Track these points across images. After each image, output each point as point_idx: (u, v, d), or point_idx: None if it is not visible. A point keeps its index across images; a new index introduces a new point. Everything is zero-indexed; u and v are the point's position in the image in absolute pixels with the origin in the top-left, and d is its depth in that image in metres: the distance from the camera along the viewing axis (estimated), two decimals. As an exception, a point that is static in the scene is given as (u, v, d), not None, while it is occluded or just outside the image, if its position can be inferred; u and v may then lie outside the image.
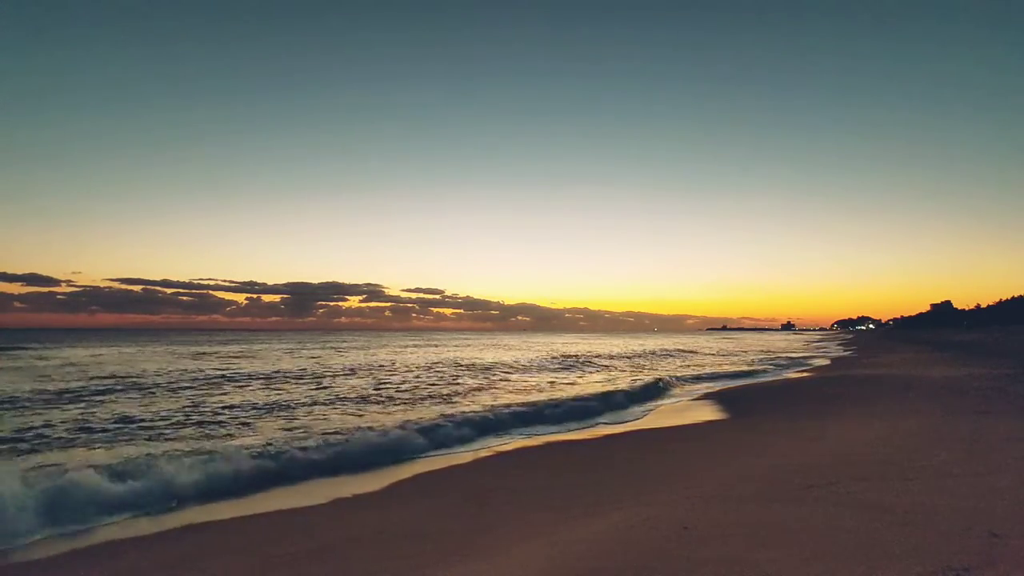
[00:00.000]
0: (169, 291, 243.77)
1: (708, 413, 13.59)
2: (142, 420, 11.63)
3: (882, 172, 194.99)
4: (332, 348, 49.63)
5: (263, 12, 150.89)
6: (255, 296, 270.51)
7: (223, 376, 21.36)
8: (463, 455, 9.42)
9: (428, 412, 12.70)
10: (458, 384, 19.72)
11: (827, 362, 32.27)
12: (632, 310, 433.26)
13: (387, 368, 26.56)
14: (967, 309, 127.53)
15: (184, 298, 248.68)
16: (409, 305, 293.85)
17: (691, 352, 46.91)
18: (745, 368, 28.41)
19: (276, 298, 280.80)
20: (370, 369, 25.69)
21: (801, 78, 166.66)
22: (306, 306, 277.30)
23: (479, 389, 18.26)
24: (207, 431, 10.65)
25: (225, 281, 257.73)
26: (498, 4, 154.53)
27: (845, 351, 46.49)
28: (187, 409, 13.16)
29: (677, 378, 22.33)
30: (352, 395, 16.27)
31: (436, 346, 56.40)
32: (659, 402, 16.21)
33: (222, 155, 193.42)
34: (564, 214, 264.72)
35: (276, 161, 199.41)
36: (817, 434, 9.32)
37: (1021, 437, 7.65)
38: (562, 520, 5.57)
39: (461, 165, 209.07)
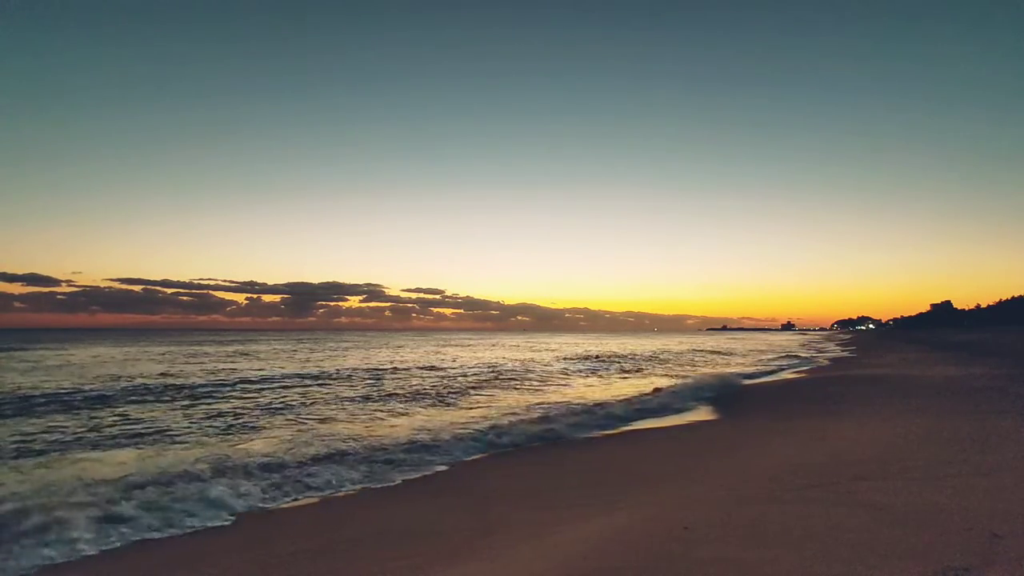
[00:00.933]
0: (169, 291, 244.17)
1: (704, 413, 13.57)
2: (372, 398, 15.11)
3: (882, 172, 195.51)
4: (361, 348, 49.36)
5: (263, 13, 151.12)
6: (255, 296, 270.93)
7: (324, 374, 23.31)
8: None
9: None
10: (554, 382, 20.98)
11: (827, 362, 32.27)
12: (632, 310, 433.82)
13: (450, 366, 28.22)
14: (967, 309, 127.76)
15: (184, 298, 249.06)
16: (409, 305, 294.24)
17: (727, 353, 46.08)
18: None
19: (276, 298, 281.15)
20: (437, 368, 26.61)
21: (802, 78, 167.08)
22: (306, 306, 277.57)
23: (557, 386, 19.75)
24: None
25: (225, 281, 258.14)
26: (498, 4, 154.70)
27: (845, 351, 46.48)
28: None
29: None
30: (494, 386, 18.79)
31: (456, 346, 55.65)
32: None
33: (222, 155, 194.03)
34: (564, 214, 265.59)
35: (276, 161, 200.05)
36: (817, 434, 9.32)
37: (1021, 437, 7.65)
38: (563, 520, 5.57)
39: (461, 165, 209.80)
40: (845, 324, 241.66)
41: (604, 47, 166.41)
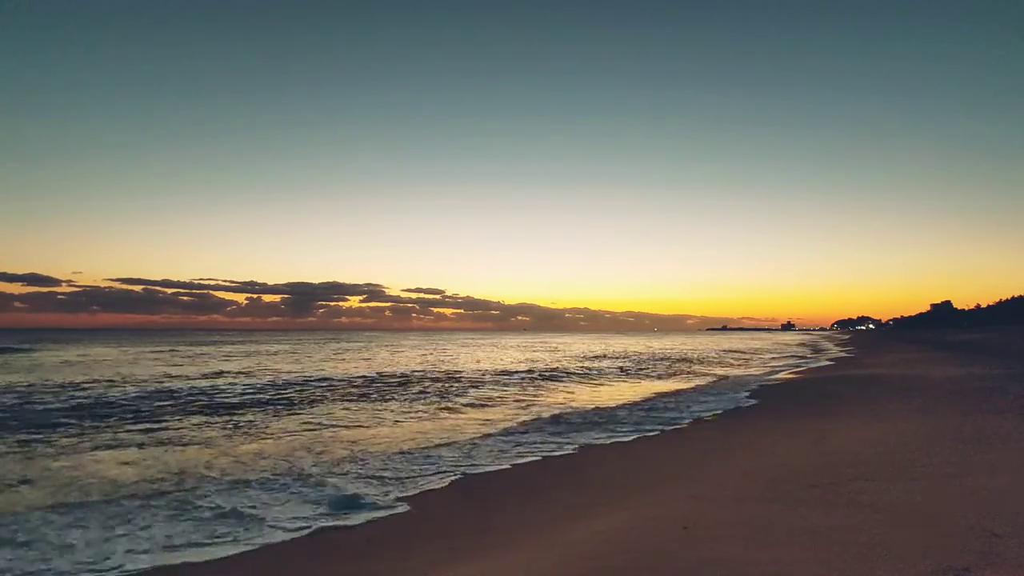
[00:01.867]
0: (169, 291, 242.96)
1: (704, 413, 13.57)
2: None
3: (882, 172, 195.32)
4: (386, 349, 48.98)
5: (263, 13, 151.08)
6: (255, 296, 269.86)
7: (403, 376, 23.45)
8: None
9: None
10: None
11: (827, 362, 32.27)
12: (632, 310, 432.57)
13: (502, 367, 28.26)
14: (967, 309, 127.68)
15: (184, 298, 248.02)
16: (409, 305, 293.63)
17: (749, 352, 45.70)
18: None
19: (276, 298, 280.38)
20: (491, 373, 25.73)
21: (802, 78, 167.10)
22: (306, 306, 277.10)
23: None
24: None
25: (225, 281, 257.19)
26: (499, 5, 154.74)
27: (845, 351, 46.48)
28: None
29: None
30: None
31: (472, 348, 55.22)
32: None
33: (223, 155, 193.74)
34: (564, 214, 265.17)
35: (276, 161, 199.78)
36: (817, 434, 9.32)
37: (1021, 437, 7.65)
38: (564, 520, 5.57)
39: (461, 165, 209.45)
40: (845, 324, 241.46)
41: (605, 47, 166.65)
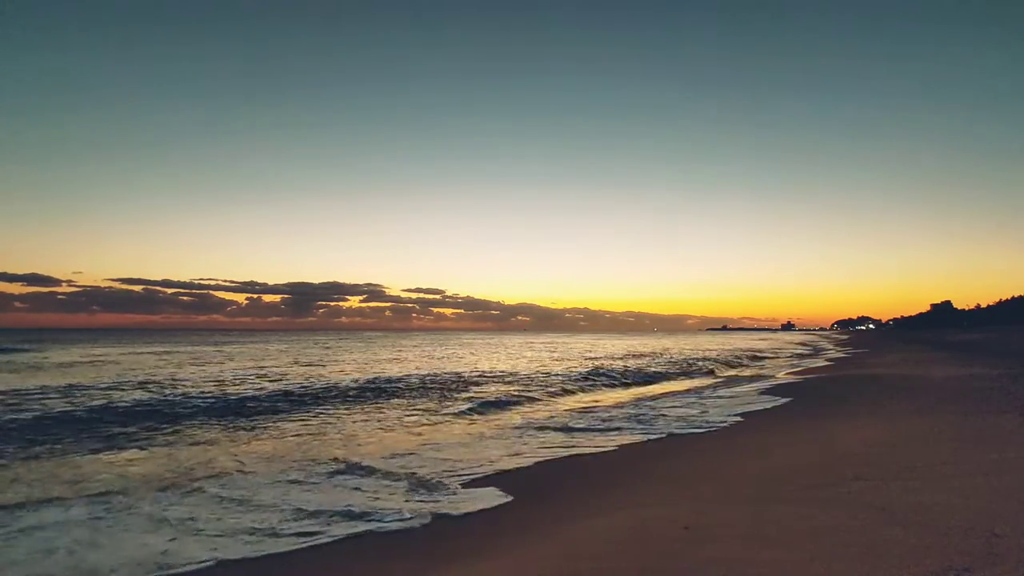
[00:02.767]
0: (169, 291, 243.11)
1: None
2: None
3: (882, 172, 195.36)
4: (402, 351, 47.42)
5: (263, 13, 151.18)
6: (255, 296, 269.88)
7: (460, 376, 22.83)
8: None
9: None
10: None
11: (827, 362, 32.27)
12: (632, 310, 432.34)
13: (537, 369, 27.07)
14: (967, 309, 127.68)
15: (184, 298, 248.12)
16: (409, 305, 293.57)
17: (769, 352, 45.08)
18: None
19: (276, 298, 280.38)
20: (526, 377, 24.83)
21: (802, 78, 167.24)
22: (306, 306, 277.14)
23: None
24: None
25: (225, 281, 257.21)
26: (499, 5, 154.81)
27: (845, 351, 46.47)
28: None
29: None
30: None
31: (483, 348, 54.12)
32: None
33: (222, 155, 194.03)
34: (564, 214, 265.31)
35: (276, 161, 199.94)
36: (817, 434, 9.33)
37: (1021, 437, 7.66)
38: (564, 520, 5.58)
39: (461, 165, 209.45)
40: (845, 324, 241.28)
41: (605, 48, 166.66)
